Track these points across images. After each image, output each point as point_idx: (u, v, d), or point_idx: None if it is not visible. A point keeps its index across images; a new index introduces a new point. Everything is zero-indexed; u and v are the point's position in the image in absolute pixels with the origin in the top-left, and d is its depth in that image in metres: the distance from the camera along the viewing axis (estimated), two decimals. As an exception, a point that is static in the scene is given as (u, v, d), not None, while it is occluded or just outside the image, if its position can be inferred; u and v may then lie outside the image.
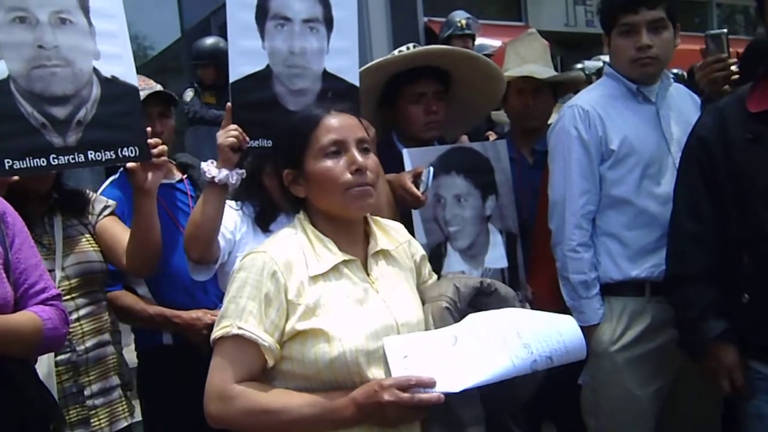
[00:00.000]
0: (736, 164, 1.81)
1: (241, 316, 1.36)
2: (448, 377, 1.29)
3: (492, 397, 1.40)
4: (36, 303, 1.58)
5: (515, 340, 1.35)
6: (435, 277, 1.66)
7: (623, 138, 2.19)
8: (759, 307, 1.78)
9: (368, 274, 1.48)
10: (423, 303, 1.54)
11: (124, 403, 2.06)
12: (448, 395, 1.29)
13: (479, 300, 1.53)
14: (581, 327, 2.21)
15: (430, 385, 1.28)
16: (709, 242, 1.88)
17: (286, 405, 1.34)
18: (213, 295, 2.42)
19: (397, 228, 1.64)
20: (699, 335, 1.91)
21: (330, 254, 1.43)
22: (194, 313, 2.34)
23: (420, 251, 1.65)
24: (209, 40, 5.10)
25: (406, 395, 1.27)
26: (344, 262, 1.44)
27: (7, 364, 1.52)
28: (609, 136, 2.20)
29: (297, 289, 1.38)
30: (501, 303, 1.53)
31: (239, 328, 1.35)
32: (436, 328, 1.46)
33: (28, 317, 1.54)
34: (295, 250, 1.43)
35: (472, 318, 1.44)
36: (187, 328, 2.34)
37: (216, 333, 1.38)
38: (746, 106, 1.81)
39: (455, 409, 1.37)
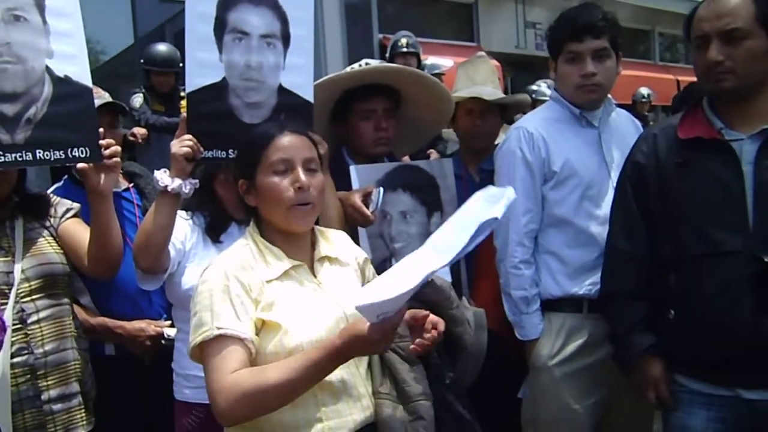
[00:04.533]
0: (666, 187, 1.91)
1: (216, 318, 1.44)
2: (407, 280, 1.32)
3: (437, 377, 1.55)
4: None
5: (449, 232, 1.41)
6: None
7: (565, 160, 2.27)
8: (683, 323, 1.87)
9: (315, 276, 1.60)
10: None
11: (83, 411, 2.00)
12: (401, 371, 1.48)
13: (419, 290, 1.59)
14: (522, 341, 2.32)
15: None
16: (640, 262, 1.97)
17: (282, 370, 1.39)
18: (158, 305, 2.41)
19: (341, 237, 1.76)
20: (628, 349, 2.00)
21: (279, 261, 1.55)
22: (138, 324, 2.33)
23: (363, 255, 1.78)
24: (163, 47, 4.92)
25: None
26: (293, 267, 1.56)
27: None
28: (552, 158, 2.28)
29: (258, 288, 1.50)
30: (438, 292, 1.70)
31: (218, 328, 1.42)
32: None
33: None
34: (248, 257, 1.55)
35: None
36: (131, 339, 2.31)
37: (195, 340, 1.45)
38: (677, 133, 1.91)
39: (405, 386, 1.53)
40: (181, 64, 4.62)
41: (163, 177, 1.82)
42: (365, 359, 1.60)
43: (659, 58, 13.37)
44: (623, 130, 2.39)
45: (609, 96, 2.41)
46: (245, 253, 1.55)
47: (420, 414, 1.56)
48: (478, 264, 2.57)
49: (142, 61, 4.95)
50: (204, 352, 1.45)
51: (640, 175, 1.98)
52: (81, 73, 1.89)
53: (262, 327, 1.49)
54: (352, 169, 2.24)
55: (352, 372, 1.54)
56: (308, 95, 2.05)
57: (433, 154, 3.52)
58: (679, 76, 11.71)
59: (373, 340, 1.33)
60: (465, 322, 1.77)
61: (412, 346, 1.53)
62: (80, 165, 1.90)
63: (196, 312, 1.47)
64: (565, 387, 2.27)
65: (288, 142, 1.57)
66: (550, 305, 2.31)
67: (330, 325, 1.52)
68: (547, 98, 6.26)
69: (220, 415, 1.43)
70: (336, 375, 1.47)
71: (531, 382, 2.36)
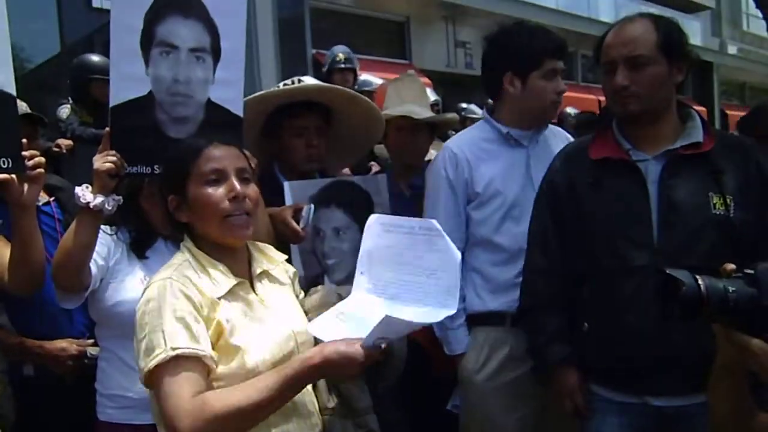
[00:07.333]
0: (579, 205, 2.00)
1: (170, 339, 1.34)
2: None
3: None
4: None
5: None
6: (302, 293, 1.76)
7: (489, 181, 2.33)
8: (596, 334, 1.96)
9: (255, 294, 1.55)
10: (306, 314, 1.64)
11: None
12: (347, 386, 1.52)
13: None
14: (450, 356, 2.36)
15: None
16: (555, 275, 2.05)
17: (254, 390, 1.34)
18: (80, 323, 2.33)
19: (272, 249, 1.73)
20: (545, 359, 2.08)
21: (225, 277, 1.49)
22: (59, 344, 2.25)
23: (292, 269, 1.75)
24: (98, 57, 4.68)
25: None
26: (237, 284, 1.51)
27: None
28: (475, 179, 2.34)
29: (209, 305, 1.42)
30: None
31: (173, 348, 1.33)
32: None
33: None
34: (191, 273, 1.46)
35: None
36: (52, 359, 2.24)
37: (150, 364, 1.33)
38: (588, 153, 2.01)
39: (352, 401, 1.55)
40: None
41: (84, 193, 1.75)
42: None
43: (582, 78, 13.93)
44: (555, 149, 2.39)
45: None
46: (187, 269, 1.47)
47: (370, 427, 1.59)
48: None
49: (79, 71, 4.74)
50: (158, 376, 1.34)
51: (554, 193, 2.07)
52: (5, 81, 1.81)
53: (217, 349, 1.40)
54: (286, 185, 2.23)
55: (302, 390, 1.49)
56: (238, 110, 2.01)
57: (375, 166, 3.57)
58: (600, 96, 12.17)
59: (363, 363, 1.33)
60: None
61: None
62: (1, 176, 1.83)
63: (145, 335, 1.37)
64: (492, 400, 2.33)
65: (219, 152, 1.52)
66: (474, 320, 2.37)
67: (281, 343, 1.49)
68: (476, 116, 6.48)
69: None
70: None
71: (460, 394, 2.43)
